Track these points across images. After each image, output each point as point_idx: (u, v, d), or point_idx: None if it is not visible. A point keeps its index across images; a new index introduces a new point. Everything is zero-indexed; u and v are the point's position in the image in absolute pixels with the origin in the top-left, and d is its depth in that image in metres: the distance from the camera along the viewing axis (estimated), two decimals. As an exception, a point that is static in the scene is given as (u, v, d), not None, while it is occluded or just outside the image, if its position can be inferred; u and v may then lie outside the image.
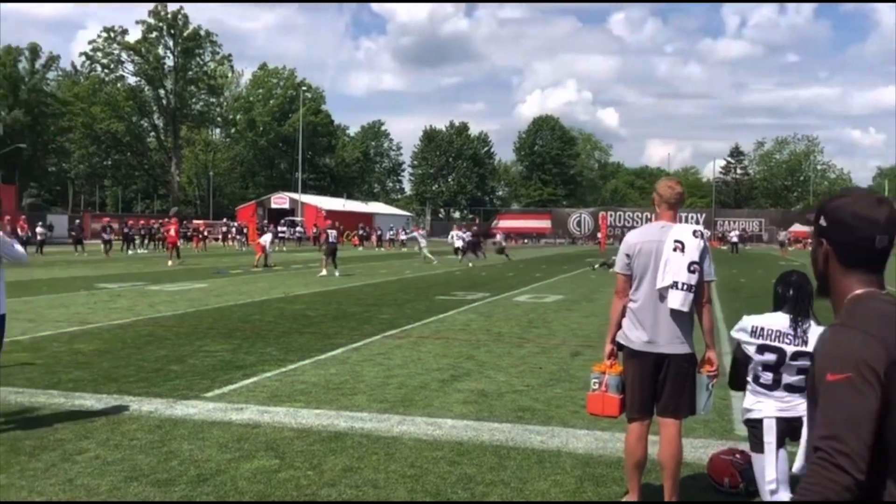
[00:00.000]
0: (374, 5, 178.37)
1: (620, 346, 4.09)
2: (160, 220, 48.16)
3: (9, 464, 4.77)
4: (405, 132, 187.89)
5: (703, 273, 3.89)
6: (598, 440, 5.37)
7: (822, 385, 1.64)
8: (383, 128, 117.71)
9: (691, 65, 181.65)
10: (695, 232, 3.94)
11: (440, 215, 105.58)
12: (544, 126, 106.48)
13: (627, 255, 4.01)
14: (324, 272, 22.16)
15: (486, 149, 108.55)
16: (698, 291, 3.89)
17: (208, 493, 4.34)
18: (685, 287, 3.84)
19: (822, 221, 1.78)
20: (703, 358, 4.01)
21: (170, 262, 26.80)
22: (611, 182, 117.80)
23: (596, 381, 4.12)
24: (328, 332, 10.62)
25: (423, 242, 35.14)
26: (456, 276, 23.11)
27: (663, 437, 3.99)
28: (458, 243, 32.95)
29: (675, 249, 3.88)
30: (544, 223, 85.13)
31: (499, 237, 40.50)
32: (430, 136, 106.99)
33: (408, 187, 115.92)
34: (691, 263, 3.85)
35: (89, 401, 6.39)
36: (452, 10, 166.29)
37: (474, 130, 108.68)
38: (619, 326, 4.07)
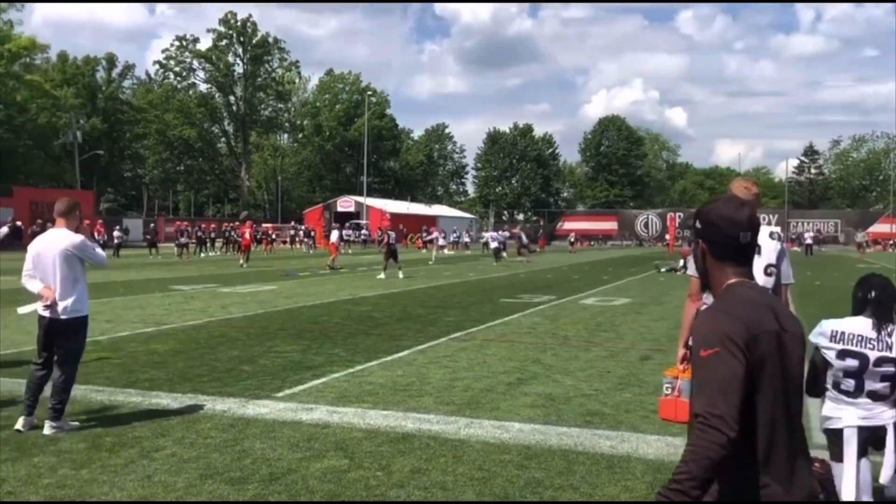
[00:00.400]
0: (438, 6, 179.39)
1: (693, 351, 3.99)
2: (231, 224, 49.33)
3: (91, 459, 4.94)
4: (469, 134, 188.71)
5: (780, 276, 3.77)
6: (670, 446, 5.27)
7: (697, 361, 1.95)
8: (447, 130, 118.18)
9: (763, 62, 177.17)
10: (771, 234, 3.82)
11: (504, 217, 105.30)
12: (610, 126, 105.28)
13: (701, 258, 3.92)
14: (381, 276, 22.18)
15: (550, 150, 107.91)
16: (775, 295, 3.77)
17: (280, 492, 4.42)
18: (761, 290, 3.73)
19: (698, 224, 2.12)
20: (781, 363, 3.88)
21: (241, 263, 27.46)
22: (679, 182, 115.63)
23: (668, 385, 4.03)
24: (394, 334, 10.71)
25: (440, 242, 35.42)
26: (520, 279, 23.01)
27: (739, 444, 3.88)
28: (494, 244, 32.73)
29: (750, 252, 3.77)
30: (611, 225, 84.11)
31: (523, 237, 40.76)
32: (493, 138, 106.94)
33: (471, 189, 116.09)
34: (768, 266, 3.73)
35: (165, 399, 6.58)
36: (516, 11, 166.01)
37: (538, 131, 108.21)
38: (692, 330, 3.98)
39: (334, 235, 30.18)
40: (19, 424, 5.59)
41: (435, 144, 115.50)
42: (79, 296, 5.78)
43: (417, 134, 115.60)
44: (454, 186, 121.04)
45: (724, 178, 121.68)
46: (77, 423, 5.75)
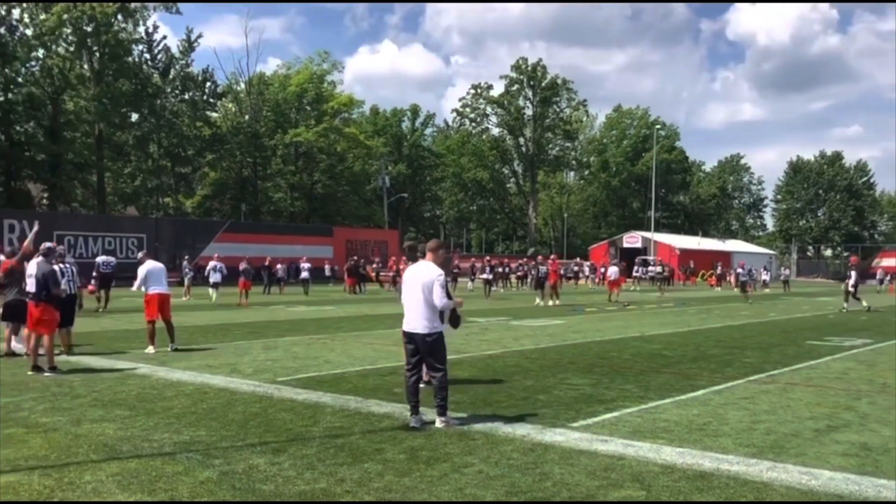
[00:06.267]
0: (731, 33, 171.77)
1: None
2: (519, 260, 51.16)
3: (410, 469, 5.54)
4: (767, 164, 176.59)
5: None
6: None
7: None
8: (742, 161, 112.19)
9: None
10: None
11: (808, 253, 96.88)
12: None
13: None
14: (539, 302, 26.55)
15: (864, 178, 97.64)
16: None
17: (579, 515, 4.62)
18: None
19: None
20: None
21: (542, 301, 27.92)
22: None
23: None
24: (687, 373, 10.47)
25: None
26: (829, 320, 21.12)
27: None
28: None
29: None
30: (942, 261, 73.57)
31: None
32: (795, 168, 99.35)
33: (770, 223, 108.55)
34: None
35: (471, 421, 7.13)
36: (820, 28, 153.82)
37: (850, 159, 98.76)
38: None
39: (612, 272, 30.72)
40: (412, 422, 6.81)
41: (729, 176, 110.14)
42: (434, 315, 6.92)
43: (709, 166, 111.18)
44: (751, 220, 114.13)
45: None
46: (458, 421, 6.96)
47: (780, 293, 42.18)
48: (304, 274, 35.14)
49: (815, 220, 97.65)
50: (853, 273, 26.20)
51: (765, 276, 49.98)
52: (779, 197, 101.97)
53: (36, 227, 12.81)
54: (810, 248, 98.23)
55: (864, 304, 25.13)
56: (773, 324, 19.73)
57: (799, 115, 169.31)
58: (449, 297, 7.05)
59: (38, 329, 10.19)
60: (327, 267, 46.54)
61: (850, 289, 25.57)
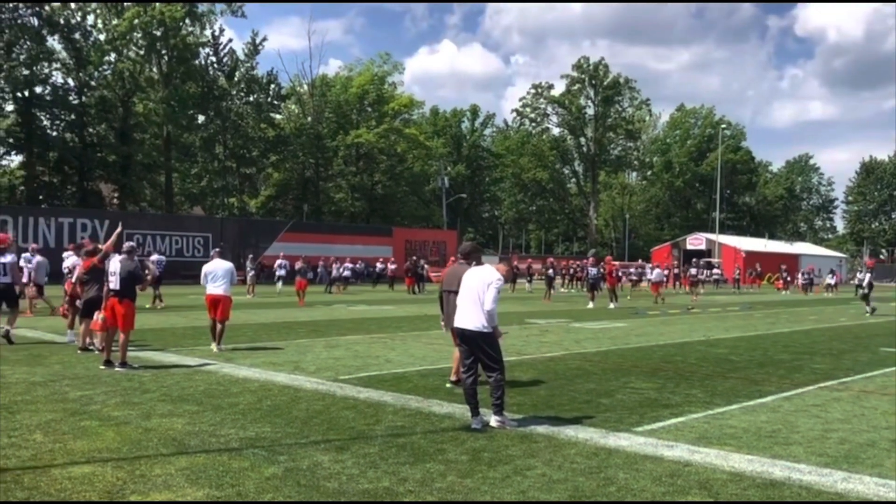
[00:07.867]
0: (799, 29, 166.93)
1: None
2: (577, 262, 50.64)
3: (473, 471, 5.53)
4: (838, 165, 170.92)
5: None
6: None
7: None
8: (811, 161, 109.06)
9: None
10: None
11: (881, 256, 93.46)
12: None
13: None
14: (591, 305, 26.40)
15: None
16: None
17: (645, 522, 4.53)
18: None
19: None
20: None
21: (593, 303, 27.38)
22: None
23: None
24: (755, 379, 10.20)
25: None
26: (904, 326, 20.32)
27: None
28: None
29: None
30: None
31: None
32: (868, 169, 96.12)
33: (840, 226, 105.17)
34: None
35: (532, 423, 7.08)
36: (894, 23, 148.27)
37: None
38: None
39: (655, 274, 30.91)
40: (473, 424, 6.79)
41: (797, 177, 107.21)
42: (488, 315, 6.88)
43: (777, 166, 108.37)
44: (820, 222, 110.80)
45: None
46: (515, 422, 6.95)
47: (851, 298, 40.80)
48: (346, 273, 38.55)
49: (888, 222, 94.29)
50: (867, 276, 26.15)
51: (829, 280, 48.41)
52: (850, 198, 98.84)
53: (119, 229, 13.21)
54: (883, 251, 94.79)
55: (871, 308, 24.80)
56: (844, 329, 19.10)
57: (872, 113, 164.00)
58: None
59: (120, 325, 10.43)
60: (379, 265, 47.43)
61: (864, 290, 25.55)
